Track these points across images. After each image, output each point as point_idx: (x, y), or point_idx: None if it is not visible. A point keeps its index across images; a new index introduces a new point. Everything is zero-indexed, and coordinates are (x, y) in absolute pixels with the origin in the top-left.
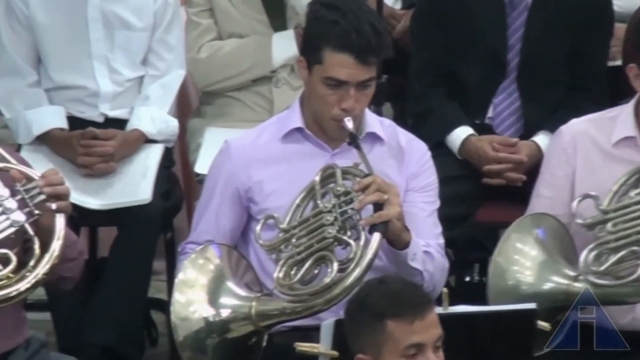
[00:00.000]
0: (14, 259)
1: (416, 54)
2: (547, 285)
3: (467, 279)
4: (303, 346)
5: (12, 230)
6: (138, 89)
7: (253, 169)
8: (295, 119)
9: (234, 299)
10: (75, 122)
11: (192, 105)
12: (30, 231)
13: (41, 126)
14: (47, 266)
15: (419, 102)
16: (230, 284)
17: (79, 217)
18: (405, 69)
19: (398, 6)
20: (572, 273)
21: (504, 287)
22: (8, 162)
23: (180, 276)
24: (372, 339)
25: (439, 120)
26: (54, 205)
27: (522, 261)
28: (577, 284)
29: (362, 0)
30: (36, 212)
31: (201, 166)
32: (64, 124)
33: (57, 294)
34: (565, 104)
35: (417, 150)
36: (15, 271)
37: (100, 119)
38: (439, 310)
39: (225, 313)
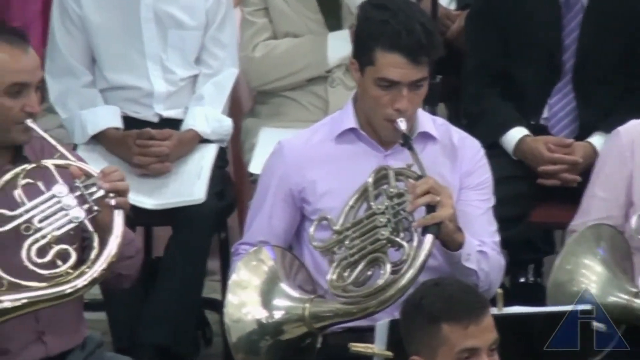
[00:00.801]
0: (73, 254)
1: (471, 55)
2: (609, 299)
3: (522, 279)
4: (357, 347)
5: (71, 226)
6: (192, 88)
7: (306, 169)
8: (348, 119)
9: (288, 301)
10: (130, 123)
11: (244, 105)
12: (90, 227)
13: (96, 126)
14: (105, 263)
15: (474, 103)
16: (284, 286)
17: (134, 217)
18: (459, 70)
19: (453, 7)
20: (633, 289)
21: (564, 294)
22: (67, 159)
23: (233, 277)
24: (426, 342)
25: (494, 121)
26: (112, 201)
27: (587, 274)
28: (637, 300)
29: (413, 0)
30: (95, 208)
31: (255, 166)
32: (119, 123)
33: (112, 294)
34: (621, 105)
35: (470, 147)
36: (74, 268)
37: (155, 119)
38: (493, 311)
39: (278, 315)
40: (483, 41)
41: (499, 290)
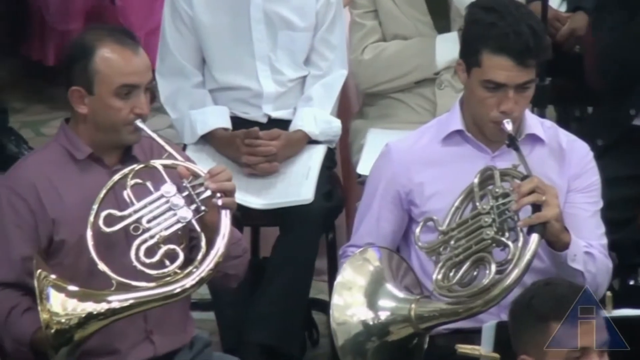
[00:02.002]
0: (181, 255)
1: None
2: None
3: (632, 282)
4: (464, 348)
5: (179, 226)
6: (300, 89)
7: (413, 171)
8: (455, 121)
9: (393, 302)
10: (239, 123)
11: (353, 106)
12: (197, 227)
13: (205, 126)
14: (213, 263)
15: None
16: (390, 287)
17: (241, 217)
18: (569, 72)
19: (563, 9)
20: None
21: None
22: (176, 159)
23: (339, 278)
24: (535, 341)
25: None
26: (219, 201)
27: None
28: None
29: (521, 2)
30: (202, 208)
31: (363, 167)
32: (227, 124)
33: (220, 294)
34: None
35: (579, 150)
36: (182, 268)
37: (264, 120)
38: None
39: (384, 316)
40: None
41: (608, 293)
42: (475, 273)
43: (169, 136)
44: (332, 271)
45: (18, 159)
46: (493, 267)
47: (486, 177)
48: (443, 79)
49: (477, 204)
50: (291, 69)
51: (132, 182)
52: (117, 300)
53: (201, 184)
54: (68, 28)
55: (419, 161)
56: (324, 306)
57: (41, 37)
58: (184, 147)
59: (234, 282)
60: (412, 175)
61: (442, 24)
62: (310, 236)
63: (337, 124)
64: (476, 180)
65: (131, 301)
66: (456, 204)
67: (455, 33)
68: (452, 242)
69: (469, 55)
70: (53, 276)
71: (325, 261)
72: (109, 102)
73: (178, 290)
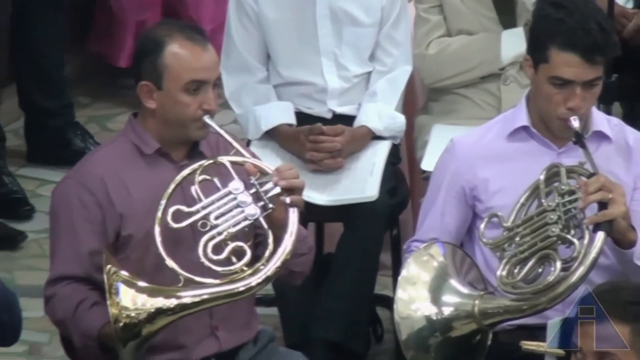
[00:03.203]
0: (248, 252)
1: None
2: None
3: None
4: (529, 344)
5: (246, 223)
6: (365, 85)
7: (478, 167)
8: (521, 117)
9: (457, 297)
10: (303, 118)
11: (418, 102)
12: (264, 225)
13: (270, 121)
14: (280, 261)
15: None
16: (454, 282)
17: (306, 213)
18: (636, 68)
19: (630, 5)
20: None
21: None
22: (243, 156)
23: (403, 273)
24: None
25: None
26: (287, 199)
27: None
28: None
29: None
30: (270, 205)
31: (428, 163)
32: (292, 119)
33: (284, 290)
34: None
35: None
36: (248, 265)
37: (329, 115)
38: None
39: (447, 311)
40: None
41: None
42: (540, 270)
43: (233, 131)
44: (396, 267)
45: (84, 154)
46: (558, 264)
47: (552, 174)
48: (508, 75)
49: (543, 200)
50: (356, 65)
51: (200, 178)
52: (186, 297)
53: (269, 181)
54: (143, 18)
55: (484, 157)
56: (388, 302)
57: (111, 38)
58: (248, 142)
59: (299, 279)
60: (477, 171)
61: (507, 20)
62: (374, 233)
63: (401, 119)
64: (542, 177)
65: (201, 297)
66: (521, 200)
67: (521, 29)
68: (517, 239)
69: (537, 51)
70: (123, 272)
71: (390, 256)
72: (177, 98)
73: (243, 288)
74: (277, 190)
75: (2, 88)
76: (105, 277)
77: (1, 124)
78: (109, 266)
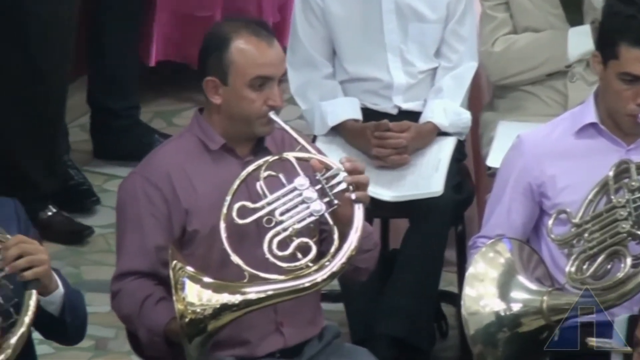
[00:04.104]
0: (314, 248)
1: None
2: None
3: None
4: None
5: (311, 219)
6: (431, 81)
7: (546, 164)
8: (589, 114)
9: (525, 293)
10: (369, 114)
11: (484, 98)
12: (330, 221)
13: (336, 117)
14: (345, 257)
15: None
16: (521, 278)
17: (372, 209)
18: None
19: None
20: None
21: None
22: (308, 151)
23: (470, 270)
24: None
25: None
26: (353, 195)
27: None
28: None
29: None
30: (335, 202)
31: (493, 160)
32: (358, 115)
33: (350, 285)
34: None
35: None
36: (313, 261)
37: (394, 111)
38: None
39: (516, 307)
40: None
41: None
42: (609, 266)
43: (299, 127)
44: (461, 263)
45: (149, 149)
46: (628, 261)
47: (621, 170)
48: (575, 72)
49: (612, 197)
50: (422, 61)
51: (266, 174)
52: (252, 292)
53: (334, 177)
54: (207, 14)
55: (552, 153)
56: (453, 298)
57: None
58: (314, 138)
59: (364, 275)
60: (544, 168)
61: (574, 17)
62: (439, 229)
63: (467, 115)
64: (611, 174)
65: (266, 293)
66: (590, 196)
67: (588, 26)
68: (585, 235)
69: (606, 47)
70: (189, 268)
71: (455, 252)
72: (242, 93)
73: (308, 284)
74: (343, 186)
75: (70, 84)
76: (171, 272)
77: (65, 119)
78: (174, 262)
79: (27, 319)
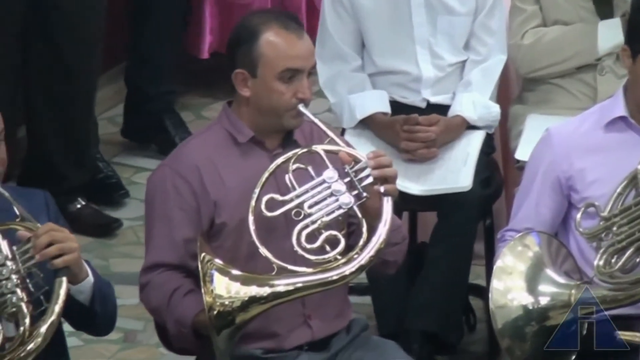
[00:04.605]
0: (342, 241)
1: None
2: None
3: None
4: (625, 335)
5: (340, 212)
6: (459, 74)
7: (574, 157)
8: (618, 107)
9: (553, 287)
10: (397, 107)
11: (512, 91)
12: (359, 214)
13: (364, 110)
14: (374, 250)
15: None
16: (550, 272)
17: (400, 202)
18: None
19: None
20: None
21: None
22: (337, 144)
23: (498, 263)
24: None
25: None
26: (382, 188)
27: None
28: None
29: None
30: (364, 194)
31: (522, 153)
32: (387, 108)
33: (377, 279)
34: None
35: None
36: (342, 254)
37: (423, 105)
38: None
39: (544, 301)
40: None
41: None
42: (638, 260)
43: (328, 120)
44: (490, 256)
45: (174, 141)
46: None
47: None
48: (605, 65)
49: None
50: (450, 54)
51: (294, 166)
52: (280, 285)
53: (362, 169)
54: (249, 1)
55: (581, 147)
56: (481, 291)
57: (196, 29)
58: (343, 131)
59: (392, 268)
60: (573, 161)
61: (604, 10)
62: (468, 222)
63: (496, 109)
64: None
65: (294, 286)
66: (618, 190)
67: (619, 19)
68: (614, 229)
69: (635, 41)
70: (217, 260)
71: (483, 246)
72: (272, 86)
73: (336, 277)
74: (372, 179)
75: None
76: (199, 265)
77: (95, 112)
78: (203, 254)
79: (57, 308)
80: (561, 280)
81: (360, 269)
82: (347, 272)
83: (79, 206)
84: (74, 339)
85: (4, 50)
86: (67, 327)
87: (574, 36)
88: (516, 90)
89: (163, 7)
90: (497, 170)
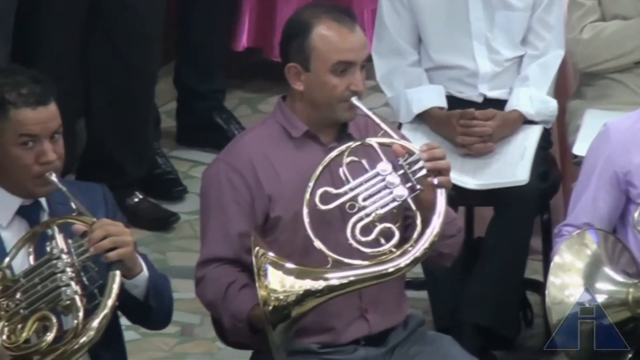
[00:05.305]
0: (397, 233)
1: None
2: None
3: None
4: None
5: (394, 204)
6: (516, 69)
7: (632, 152)
8: None
9: (611, 285)
10: (454, 102)
11: (570, 86)
12: (413, 206)
13: (421, 105)
14: (428, 242)
15: None
16: (607, 270)
17: (456, 196)
18: None
19: None
20: None
21: None
22: (391, 137)
23: (556, 259)
24: None
25: None
26: (435, 180)
27: None
28: None
29: None
30: (418, 187)
31: (579, 148)
32: (443, 102)
33: (434, 273)
34: None
35: None
36: (397, 246)
37: (479, 99)
38: None
39: (601, 298)
40: None
41: None
42: None
43: (385, 115)
44: (547, 251)
45: (228, 136)
46: None
47: None
48: None
49: None
50: (508, 49)
51: (348, 159)
52: (335, 278)
53: (416, 162)
54: None
55: (639, 142)
56: (538, 286)
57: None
58: (399, 125)
59: (448, 261)
60: (631, 156)
61: None
62: (525, 217)
63: (553, 104)
64: None
65: (349, 279)
66: None
67: None
68: None
69: None
70: (271, 254)
71: (540, 241)
72: (324, 79)
73: (392, 269)
74: (425, 171)
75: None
76: (253, 259)
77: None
78: (257, 248)
79: (110, 302)
80: (619, 278)
81: (415, 261)
82: (402, 265)
83: (136, 200)
84: (131, 333)
85: (65, 46)
86: (124, 320)
87: (633, 31)
88: (574, 85)
89: (207, 12)
90: (555, 165)
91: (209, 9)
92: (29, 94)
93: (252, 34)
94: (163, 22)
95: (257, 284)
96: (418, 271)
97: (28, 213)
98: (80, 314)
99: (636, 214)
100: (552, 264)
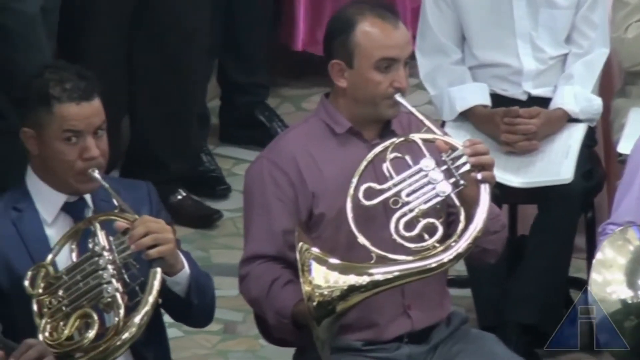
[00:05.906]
0: (440, 228)
1: None
2: None
3: None
4: None
5: (438, 200)
6: (561, 67)
7: None
8: None
9: None
10: (498, 100)
11: (615, 85)
12: (456, 202)
13: (465, 102)
14: (471, 238)
15: None
16: None
17: (500, 194)
18: None
19: None
20: None
21: None
22: (434, 133)
23: (598, 256)
24: None
25: None
26: (479, 175)
27: None
28: None
29: None
30: (461, 182)
31: (624, 146)
32: (487, 100)
33: (477, 271)
34: None
35: None
36: (440, 242)
37: (523, 97)
38: None
39: None
40: None
41: None
42: None
43: (428, 112)
44: (591, 250)
45: (270, 133)
46: None
47: None
48: None
49: None
50: (552, 47)
51: (392, 155)
52: (379, 273)
53: (459, 157)
54: None
55: None
56: (583, 284)
57: (290, 20)
58: (443, 123)
59: (492, 257)
60: None
61: None
62: (569, 215)
63: (598, 102)
64: None
65: (393, 274)
66: None
67: None
68: None
69: None
70: (315, 249)
71: (584, 239)
72: (368, 76)
73: (435, 264)
74: (469, 166)
75: None
76: (297, 255)
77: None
78: (301, 243)
79: (151, 298)
80: None
81: (458, 256)
82: (445, 260)
83: (179, 197)
84: (174, 330)
85: (110, 42)
86: (167, 318)
87: None
88: (619, 83)
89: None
90: (599, 164)
91: (250, 3)
92: (73, 89)
93: (306, 37)
94: (208, 18)
95: (301, 280)
96: (461, 269)
97: (73, 209)
98: (122, 311)
99: None
100: (594, 261)
